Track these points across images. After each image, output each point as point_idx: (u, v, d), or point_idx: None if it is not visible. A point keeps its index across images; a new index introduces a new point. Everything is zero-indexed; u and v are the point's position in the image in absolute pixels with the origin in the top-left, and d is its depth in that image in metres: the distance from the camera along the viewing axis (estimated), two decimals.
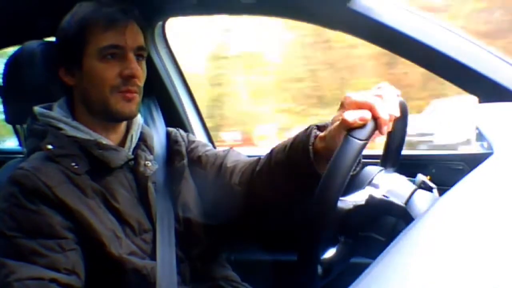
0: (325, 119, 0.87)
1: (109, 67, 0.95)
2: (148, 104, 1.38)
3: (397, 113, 0.75)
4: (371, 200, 0.80)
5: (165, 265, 0.96)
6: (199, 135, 1.65)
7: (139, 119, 1.07)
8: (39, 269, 0.85)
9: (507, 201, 0.61)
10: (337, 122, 0.77)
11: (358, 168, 0.85)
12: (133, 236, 0.95)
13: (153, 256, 0.96)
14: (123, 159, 0.99)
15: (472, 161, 0.88)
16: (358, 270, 0.54)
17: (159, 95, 1.52)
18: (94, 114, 0.99)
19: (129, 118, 1.02)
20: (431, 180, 0.86)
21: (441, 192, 0.71)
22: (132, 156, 1.02)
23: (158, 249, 0.97)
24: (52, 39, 1.06)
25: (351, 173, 0.68)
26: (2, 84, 1.16)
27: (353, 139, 0.68)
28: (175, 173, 1.08)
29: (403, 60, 1.17)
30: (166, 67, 1.60)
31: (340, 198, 0.75)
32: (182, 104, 1.63)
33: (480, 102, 1.10)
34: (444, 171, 1.27)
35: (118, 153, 0.98)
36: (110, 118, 0.99)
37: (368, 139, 0.70)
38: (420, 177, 0.86)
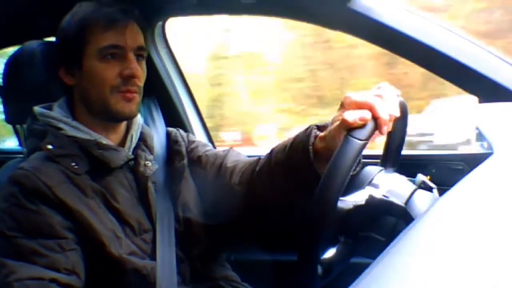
0: (325, 119, 0.87)
1: (109, 67, 0.95)
2: (148, 104, 1.38)
3: (397, 113, 0.75)
4: (371, 200, 0.80)
5: (165, 265, 0.96)
6: (199, 135, 1.65)
7: (139, 119, 1.07)
8: (39, 269, 0.85)
9: (507, 201, 0.61)
10: (337, 122, 0.77)
11: (358, 168, 0.85)
12: (133, 236, 0.95)
13: (153, 256, 0.96)
14: (123, 159, 0.99)
15: (472, 161, 0.88)
16: (358, 270, 0.54)
17: (159, 95, 1.52)
18: (94, 114, 0.99)
19: (129, 118, 1.02)
20: (431, 180, 0.86)
21: (441, 192, 0.71)
22: (132, 156, 1.02)
23: (158, 249, 0.97)
24: (52, 39, 1.06)
25: (351, 173, 0.68)
26: (2, 84, 1.16)
27: (353, 139, 0.68)
28: (175, 173, 1.08)
29: (403, 60, 1.17)
30: (166, 67, 1.60)
31: (340, 198, 0.75)
32: (182, 104, 1.63)
33: (480, 102, 1.10)
34: (444, 171, 1.27)
35: (118, 153, 0.98)
36: (110, 118, 0.99)
37: (368, 139, 0.70)
38: (420, 177, 0.86)
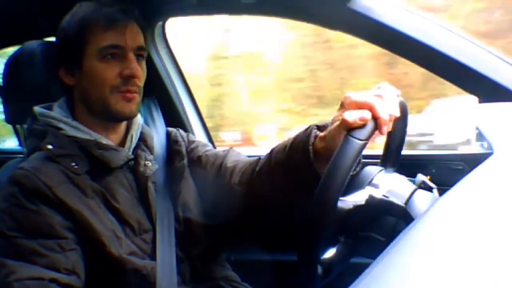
0: (325, 119, 0.87)
1: (109, 67, 0.95)
2: (148, 104, 1.38)
3: (397, 113, 0.75)
4: (371, 200, 0.80)
5: (165, 265, 0.96)
6: (199, 135, 1.65)
7: (139, 119, 1.07)
8: (39, 269, 0.85)
9: (507, 201, 0.61)
10: (337, 122, 0.77)
11: (358, 168, 0.85)
12: (133, 236, 0.95)
13: (153, 256, 0.96)
14: (123, 159, 0.99)
15: (472, 161, 0.88)
16: (358, 270, 0.54)
17: (159, 95, 1.52)
18: (94, 114, 0.99)
19: (129, 118, 1.02)
20: (431, 180, 0.86)
21: (441, 192, 0.71)
22: (132, 156, 1.02)
23: (158, 249, 0.97)
24: (52, 39, 1.06)
25: (351, 173, 0.68)
26: (2, 84, 1.16)
27: (353, 139, 0.68)
28: (175, 173, 1.08)
29: (403, 60, 1.17)
30: (166, 67, 1.60)
31: (340, 198, 0.75)
32: (182, 104, 1.63)
33: (480, 102, 1.10)
34: (444, 171, 1.27)
35: (118, 153, 0.98)
36: (110, 118, 0.99)
37: (368, 139, 0.70)
38: (420, 177, 0.86)
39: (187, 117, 1.64)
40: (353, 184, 0.84)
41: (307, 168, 0.85)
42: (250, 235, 1.44)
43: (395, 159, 0.91)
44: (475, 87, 1.10)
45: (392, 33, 1.11)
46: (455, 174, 1.16)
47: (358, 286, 0.51)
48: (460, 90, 1.13)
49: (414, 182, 0.86)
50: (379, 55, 4.91)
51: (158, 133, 1.15)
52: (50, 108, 1.02)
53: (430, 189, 0.84)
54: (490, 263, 0.51)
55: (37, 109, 1.01)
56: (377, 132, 0.73)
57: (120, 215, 0.95)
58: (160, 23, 1.55)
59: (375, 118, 0.71)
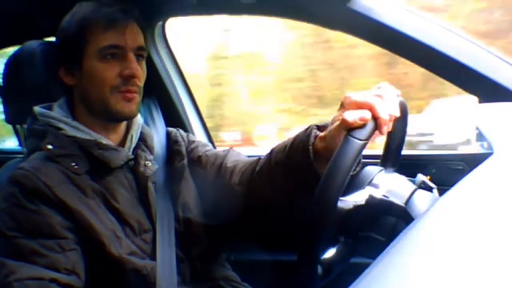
0: (325, 119, 0.87)
1: (109, 67, 0.95)
2: (148, 104, 1.38)
3: (397, 113, 0.75)
4: (371, 200, 0.80)
5: (165, 265, 0.96)
6: (199, 135, 1.65)
7: (139, 119, 1.07)
8: (39, 269, 0.85)
9: (507, 201, 0.61)
10: (337, 122, 0.77)
11: (358, 168, 0.85)
12: (133, 236, 0.95)
13: (153, 256, 0.96)
14: (123, 159, 0.99)
15: (472, 161, 0.88)
16: (358, 270, 0.54)
17: (159, 95, 1.52)
18: (94, 114, 0.99)
19: (129, 118, 1.02)
20: (431, 180, 0.86)
21: (441, 192, 0.71)
22: (132, 156, 1.02)
23: (158, 249, 0.97)
24: (52, 39, 1.06)
25: (351, 173, 0.68)
26: (2, 84, 1.16)
27: (353, 139, 0.68)
28: (175, 173, 1.08)
29: (403, 60, 1.17)
30: (166, 67, 1.60)
31: (340, 198, 0.75)
32: (182, 104, 1.63)
33: (480, 102, 1.10)
34: (444, 171, 1.27)
35: (118, 153, 0.98)
36: (110, 118, 0.99)
37: (368, 139, 0.70)
38: (420, 177, 0.86)
39: (187, 117, 1.64)
40: (353, 184, 0.84)
41: (307, 168, 0.85)
42: (250, 235, 1.44)
43: (395, 159, 0.90)
44: (475, 87, 1.10)
45: (392, 33, 1.11)
46: (455, 174, 1.16)
47: (358, 286, 0.51)
48: (460, 90, 1.13)
49: (414, 182, 0.86)
50: (379, 55, 4.91)
51: (158, 133, 1.15)
52: (50, 108, 1.02)
53: (430, 189, 0.84)
54: (490, 263, 0.51)
55: (37, 109, 1.01)
56: (377, 132, 0.73)
57: (120, 215, 0.95)
58: (160, 23, 1.55)
59: (375, 118, 0.71)
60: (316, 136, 0.85)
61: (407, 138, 0.89)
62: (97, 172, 0.96)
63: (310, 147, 0.85)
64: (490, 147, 0.77)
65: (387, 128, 0.73)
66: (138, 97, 0.98)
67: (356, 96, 0.75)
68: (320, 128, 0.87)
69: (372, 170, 0.86)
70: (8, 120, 1.18)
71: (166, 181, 1.06)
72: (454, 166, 1.28)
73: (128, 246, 0.93)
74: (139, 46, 0.97)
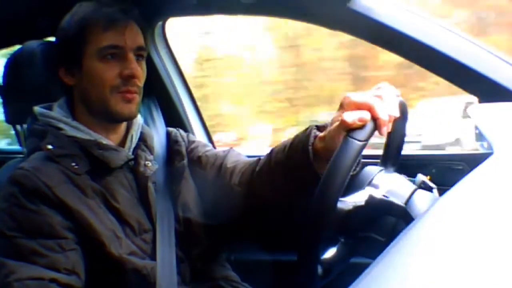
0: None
1: (109, 67, 0.95)
2: (148, 104, 1.38)
3: (396, 114, 0.75)
4: (371, 200, 0.80)
5: (165, 265, 0.96)
6: (199, 135, 1.65)
7: (139, 119, 1.07)
8: (39, 269, 0.85)
9: (507, 201, 0.61)
10: (337, 123, 0.77)
11: (358, 169, 0.85)
12: (133, 236, 0.95)
13: (153, 256, 0.96)
14: (123, 159, 0.99)
15: (472, 161, 0.88)
16: (358, 270, 0.54)
17: (159, 95, 1.52)
18: (94, 114, 0.99)
19: (129, 119, 1.02)
20: (431, 180, 0.86)
21: (441, 192, 0.71)
22: (132, 156, 1.02)
23: (158, 249, 0.97)
24: (52, 39, 1.06)
25: (351, 174, 0.67)
26: (2, 84, 1.16)
27: (353, 140, 0.68)
28: (175, 173, 1.08)
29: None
30: (166, 67, 1.60)
31: (340, 199, 0.75)
32: (182, 104, 1.63)
33: (480, 102, 1.10)
34: (444, 171, 1.27)
35: (118, 153, 0.98)
36: (110, 118, 0.99)
37: (367, 140, 0.69)
38: (420, 177, 0.86)
39: (187, 117, 1.64)
40: (353, 184, 0.84)
41: (306, 168, 0.85)
42: (250, 235, 1.44)
43: (395, 159, 0.90)
44: (475, 87, 1.10)
45: (392, 33, 1.11)
46: (455, 174, 1.16)
47: (358, 286, 0.51)
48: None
49: (414, 182, 0.86)
50: (353, 58, 4.95)
51: (158, 133, 1.15)
52: (50, 108, 1.02)
53: (430, 189, 0.84)
54: (490, 263, 0.51)
55: (37, 109, 1.01)
56: (376, 132, 0.72)
57: (120, 215, 0.95)
58: (160, 23, 1.55)
59: (374, 119, 0.71)
60: (315, 137, 0.85)
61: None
62: (97, 172, 0.96)
63: (310, 147, 0.85)
64: (490, 147, 0.77)
65: (386, 128, 0.73)
66: (138, 98, 0.98)
67: (355, 96, 0.75)
68: (320, 128, 0.87)
69: (372, 170, 0.86)
70: (8, 120, 1.18)
71: (166, 181, 1.06)
72: (454, 166, 1.28)
73: (128, 246, 0.93)
74: (139, 46, 0.97)
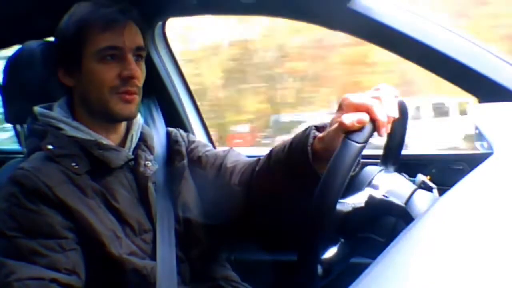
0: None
1: (108, 68, 0.94)
2: (148, 104, 1.38)
3: (395, 114, 0.75)
4: (371, 200, 0.80)
5: (165, 265, 0.96)
6: (199, 135, 1.65)
7: (139, 119, 1.07)
8: (40, 269, 0.85)
9: (507, 201, 0.61)
10: (336, 124, 0.77)
11: (357, 169, 0.85)
12: (133, 236, 0.95)
13: (153, 256, 0.96)
14: (123, 159, 0.99)
15: (472, 161, 0.88)
16: (358, 270, 0.54)
17: (159, 95, 1.52)
18: (94, 115, 0.99)
19: (129, 119, 1.02)
20: (431, 180, 0.86)
21: (441, 192, 0.71)
22: (132, 156, 1.02)
23: (158, 249, 0.97)
24: (52, 39, 1.06)
25: (350, 174, 0.67)
26: (2, 84, 1.16)
27: (351, 142, 0.68)
28: (175, 173, 1.08)
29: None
30: (166, 67, 1.60)
31: (339, 200, 0.75)
32: (182, 104, 1.63)
33: (480, 102, 1.10)
34: (444, 171, 1.27)
35: (118, 153, 0.98)
36: (110, 119, 0.99)
37: (366, 141, 0.69)
38: (420, 177, 0.86)
39: (187, 117, 1.64)
40: (353, 185, 0.84)
41: (306, 168, 0.85)
42: (250, 235, 1.43)
43: (395, 159, 0.90)
44: (475, 87, 1.10)
45: (392, 33, 1.11)
46: (455, 174, 1.16)
47: (358, 286, 0.51)
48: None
49: (414, 182, 0.86)
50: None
51: (158, 133, 1.15)
52: (50, 108, 1.02)
53: (430, 189, 0.84)
54: (490, 263, 0.51)
55: (37, 109, 1.01)
56: (376, 133, 0.72)
57: (120, 215, 0.95)
58: (160, 23, 1.55)
59: (373, 120, 0.71)
60: (314, 137, 0.85)
61: None
62: (97, 172, 0.96)
63: (309, 148, 0.85)
64: (490, 147, 0.77)
65: (385, 130, 0.73)
66: (137, 98, 0.98)
67: (353, 97, 0.75)
68: (319, 128, 0.87)
69: (372, 170, 0.86)
70: (8, 120, 1.18)
71: (166, 181, 1.06)
72: (454, 166, 1.28)
73: (128, 246, 0.93)
74: (138, 47, 0.97)
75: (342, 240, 0.81)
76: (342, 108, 0.77)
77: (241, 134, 5.67)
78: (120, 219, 0.94)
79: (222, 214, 1.04)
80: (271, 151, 0.98)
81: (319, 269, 0.74)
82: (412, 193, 0.81)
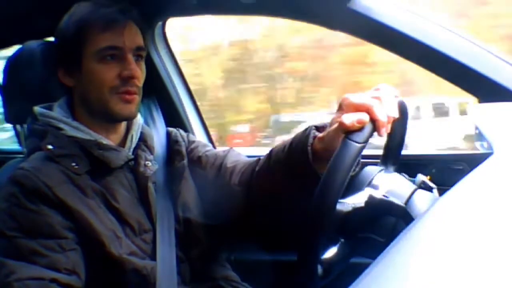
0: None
1: (108, 68, 0.94)
2: (148, 104, 1.38)
3: (395, 114, 0.75)
4: (371, 200, 0.80)
5: (165, 265, 0.96)
6: (199, 135, 1.65)
7: (139, 119, 1.07)
8: (40, 269, 0.85)
9: (507, 201, 0.61)
10: (336, 124, 0.77)
11: (357, 169, 0.85)
12: (133, 236, 0.95)
13: (153, 256, 0.96)
14: (123, 159, 0.99)
15: (472, 161, 0.88)
16: (358, 270, 0.54)
17: (159, 95, 1.52)
18: (94, 115, 0.99)
19: (129, 119, 1.02)
20: (431, 180, 0.86)
21: (441, 192, 0.71)
22: (132, 156, 1.02)
23: (158, 249, 0.97)
24: (52, 39, 1.06)
25: (350, 174, 0.67)
26: (2, 84, 1.17)
27: (351, 142, 0.68)
28: (175, 173, 1.08)
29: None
30: (166, 67, 1.60)
31: (339, 200, 0.75)
32: (182, 104, 1.63)
33: (480, 102, 1.10)
34: (444, 171, 1.27)
35: (118, 153, 0.98)
36: (110, 119, 0.99)
37: (366, 141, 0.69)
38: (420, 177, 0.86)
39: (187, 117, 1.64)
40: (353, 185, 0.84)
41: (306, 168, 0.85)
42: (250, 235, 1.43)
43: (395, 159, 0.90)
44: (475, 87, 1.10)
45: (392, 33, 1.11)
46: (455, 174, 1.16)
47: (358, 286, 0.51)
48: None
49: (414, 182, 0.86)
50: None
51: (158, 133, 1.15)
52: (50, 108, 1.02)
53: (430, 189, 0.84)
54: (490, 263, 0.51)
55: (37, 109, 1.01)
56: (375, 133, 0.72)
57: (120, 215, 0.95)
58: (160, 23, 1.55)
59: (373, 120, 0.71)
60: (314, 137, 0.85)
61: None
62: (97, 172, 0.96)
63: (309, 148, 0.85)
64: (490, 147, 0.77)
65: (385, 130, 0.73)
66: (137, 98, 0.98)
67: (353, 97, 0.75)
68: (319, 128, 0.87)
69: (372, 170, 0.86)
70: (8, 120, 1.18)
71: (166, 181, 1.06)
72: (454, 166, 1.28)
73: (128, 246, 0.93)
74: (138, 47, 0.97)
75: (342, 240, 0.81)
76: (342, 108, 0.77)
77: (241, 134, 5.68)
78: (120, 219, 0.94)
79: (222, 214, 1.04)
80: (271, 151, 0.98)
81: (319, 269, 0.74)
82: (412, 193, 0.81)
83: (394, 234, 0.66)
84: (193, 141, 1.15)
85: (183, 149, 1.11)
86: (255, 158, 1.03)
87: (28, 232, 0.87)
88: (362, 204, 0.80)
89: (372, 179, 0.84)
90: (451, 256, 0.53)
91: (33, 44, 1.13)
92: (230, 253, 1.43)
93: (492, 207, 0.60)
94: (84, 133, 0.98)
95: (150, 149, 1.06)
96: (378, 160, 0.91)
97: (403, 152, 0.91)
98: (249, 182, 1.00)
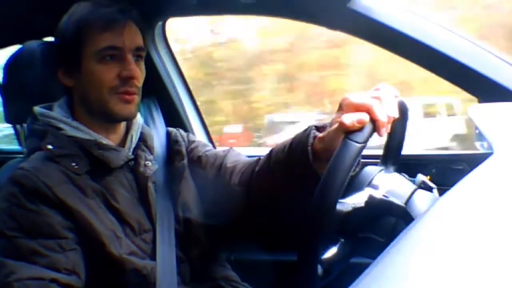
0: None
1: (108, 68, 0.94)
2: (148, 104, 1.38)
3: (395, 114, 0.75)
4: (371, 200, 0.80)
5: (165, 265, 0.96)
6: (199, 135, 1.65)
7: (139, 119, 1.07)
8: (40, 269, 0.85)
9: (507, 201, 0.61)
10: (336, 124, 0.77)
11: (357, 169, 0.85)
12: (133, 236, 0.95)
13: (153, 256, 0.96)
14: (123, 159, 0.99)
15: (472, 161, 0.88)
16: (358, 270, 0.54)
17: (159, 95, 1.52)
18: (93, 115, 0.99)
19: (129, 119, 1.02)
20: (431, 180, 0.86)
21: (441, 192, 0.71)
22: (132, 156, 1.02)
23: (158, 249, 0.97)
24: (52, 39, 1.06)
25: (350, 174, 0.67)
26: (2, 84, 1.17)
27: (351, 142, 0.68)
28: (175, 173, 1.08)
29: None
30: (166, 67, 1.60)
31: (339, 200, 0.75)
32: (182, 104, 1.63)
33: (480, 102, 1.10)
34: (444, 171, 1.27)
35: (118, 153, 0.98)
36: (110, 119, 0.99)
37: (366, 141, 0.69)
38: (420, 177, 0.86)
39: (187, 117, 1.64)
40: (353, 185, 0.84)
41: (306, 168, 0.85)
42: (250, 235, 1.43)
43: (395, 159, 0.90)
44: (475, 87, 1.10)
45: (392, 33, 1.11)
46: (455, 174, 1.16)
47: (358, 286, 0.51)
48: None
49: (414, 182, 0.86)
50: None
51: (158, 133, 1.15)
52: (50, 108, 1.02)
53: (430, 189, 0.84)
54: (490, 263, 0.51)
55: (37, 109, 1.01)
56: (375, 133, 0.72)
57: (120, 215, 0.95)
58: (160, 23, 1.55)
59: (373, 120, 0.71)
60: (315, 137, 0.85)
61: None
62: (97, 172, 0.96)
63: (309, 148, 0.85)
64: (490, 147, 0.77)
65: (385, 130, 0.73)
66: (137, 98, 0.98)
67: (354, 97, 0.75)
68: (319, 128, 0.87)
69: (372, 170, 0.86)
70: (8, 120, 1.18)
71: (166, 181, 1.06)
72: (454, 166, 1.28)
73: (128, 246, 0.93)
74: (137, 47, 0.97)
75: (342, 240, 0.81)
76: (342, 108, 0.77)
77: (232, 134, 5.69)
78: (120, 219, 0.94)
79: (222, 214, 1.04)
80: (271, 151, 0.98)
81: (319, 269, 0.74)
82: (412, 193, 0.81)
83: (394, 234, 0.66)
84: (193, 141, 1.15)
85: (183, 149, 1.11)
86: (255, 158, 1.03)
87: (28, 232, 0.87)
88: (362, 204, 0.80)
89: (372, 179, 0.84)
90: (451, 256, 0.53)
91: (33, 44, 1.13)
92: (230, 253, 1.43)
93: (492, 207, 0.60)
94: (84, 133, 0.98)
95: (150, 149, 1.06)
96: (378, 160, 0.91)
97: (403, 152, 0.91)
98: (249, 182, 1.00)
